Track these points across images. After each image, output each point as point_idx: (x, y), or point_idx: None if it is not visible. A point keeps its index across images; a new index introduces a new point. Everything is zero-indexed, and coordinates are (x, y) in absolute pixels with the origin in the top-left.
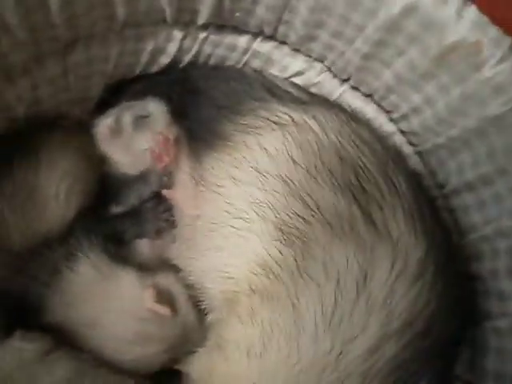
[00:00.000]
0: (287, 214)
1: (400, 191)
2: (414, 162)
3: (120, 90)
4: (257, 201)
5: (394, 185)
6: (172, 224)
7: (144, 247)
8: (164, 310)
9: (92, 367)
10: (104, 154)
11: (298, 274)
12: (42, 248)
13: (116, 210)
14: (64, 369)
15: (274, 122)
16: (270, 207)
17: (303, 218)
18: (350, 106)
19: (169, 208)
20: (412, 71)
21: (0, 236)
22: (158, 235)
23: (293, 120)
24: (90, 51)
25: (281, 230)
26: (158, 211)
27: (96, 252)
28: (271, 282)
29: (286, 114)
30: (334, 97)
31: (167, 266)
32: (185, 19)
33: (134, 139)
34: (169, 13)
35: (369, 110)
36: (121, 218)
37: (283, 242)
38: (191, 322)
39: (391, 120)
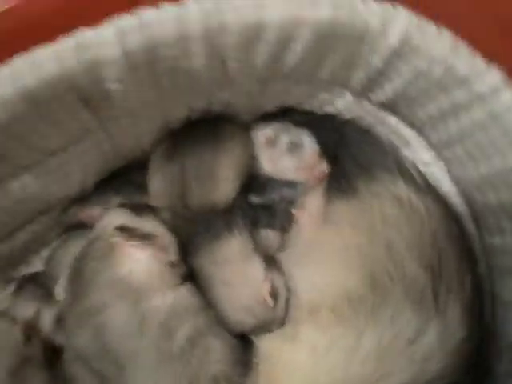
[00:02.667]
0: (380, 269)
1: (465, 291)
2: None
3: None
4: (362, 249)
5: (463, 283)
6: (287, 229)
7: (269, 237)
8: (270, 303)
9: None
10: (255, 155)
11: (371, 314)
12: (211, 214)
13: (255, 200)
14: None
15: (398, 198)
16: (370, 257)
17: (391, 277)
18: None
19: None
20: None
21: (185, 196)
22: (282, 231)
23: (410, 201)
24: (289, 87)
25: (372, 277)
26: (287, 212)
27: (245, 232)
28: (349, 310)
29: (407, 194)
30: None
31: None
32: (365, 91)
33: (283, 157)
34: (356, 83)
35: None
36: (259, 208)
37: (370, 286)
38: (280, 316)
39: None
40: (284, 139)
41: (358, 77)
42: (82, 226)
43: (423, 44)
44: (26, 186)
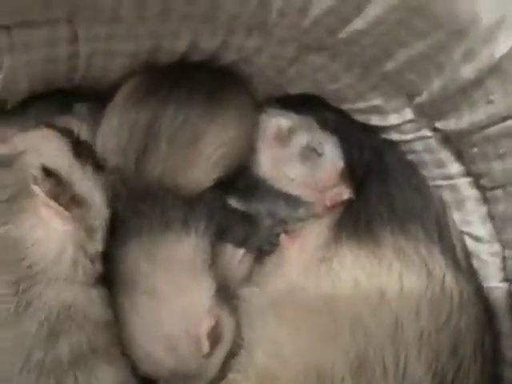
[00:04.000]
0: (375, 354)
1: None
2: None
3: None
4: (358, 319)
5: None
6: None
7: (236, 258)
8: (204, 348)
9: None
10: (255, 147)
11: None
12: (167, 196)
13: (234, 204)
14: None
15: (428, 270)
16: (365, 334)
17: (386, 370)
18: None
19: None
20: None
21: (143, 159)
22: (257, 257)
23: (443, 281)
24: (332, 69)
25: (359, 362)
26: (272, 232)
27: (205, 237)
28: None
29: (442, 271)
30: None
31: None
32: (433, 113)
33: (292, 163)
34: (428, 95)
35: None
36: (238, 215)
37: (354, 373)
38: (210, 372)
39: None
40: (300, 139)
41: (434, 86)
42: None
43: None
44: None
